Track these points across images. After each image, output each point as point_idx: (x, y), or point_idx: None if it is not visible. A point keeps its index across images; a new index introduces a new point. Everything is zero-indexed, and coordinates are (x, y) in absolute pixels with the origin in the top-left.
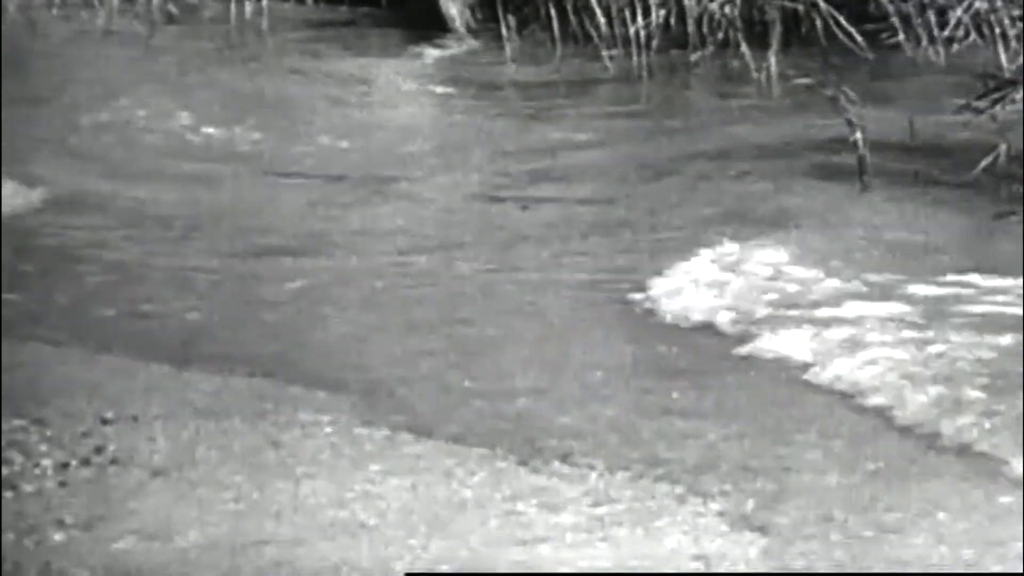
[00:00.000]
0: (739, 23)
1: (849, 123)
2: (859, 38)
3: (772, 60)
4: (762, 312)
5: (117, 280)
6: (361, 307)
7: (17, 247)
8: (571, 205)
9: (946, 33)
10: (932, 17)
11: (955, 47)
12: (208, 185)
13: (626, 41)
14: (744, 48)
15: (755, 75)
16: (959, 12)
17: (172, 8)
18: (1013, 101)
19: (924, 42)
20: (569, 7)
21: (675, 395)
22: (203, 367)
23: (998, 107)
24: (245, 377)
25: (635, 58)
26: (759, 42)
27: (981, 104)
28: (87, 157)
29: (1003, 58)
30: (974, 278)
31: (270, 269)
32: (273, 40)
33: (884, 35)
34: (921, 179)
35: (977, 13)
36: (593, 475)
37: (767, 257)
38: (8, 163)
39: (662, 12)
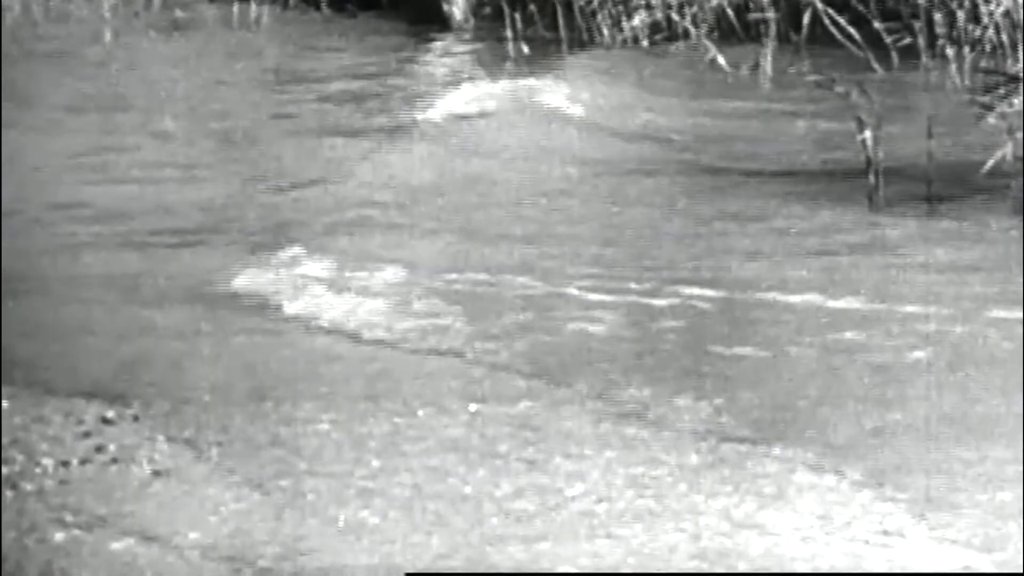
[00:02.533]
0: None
1: (859, 121)
2: (857, 37)
3: (769, 59)
4: None
5: None
6: None
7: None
8: None
9: (977, 35)
10: (940, 18)
11: (967, 51)
12: None
13: (624, 41)
14: (769, 48)
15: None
16: (983, 10)
17: (179, 13)
18: (1017, 101)
19: (940, 43)
20: (577, 8)
21: None
22: None
23: (1004, 104)
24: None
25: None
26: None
27: (987, 100)
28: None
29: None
30: None
31: None
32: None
33: (895, 38)
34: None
35: (1003, 15)
36: (595, 472)
37: None
38: None
39: (658, 11)
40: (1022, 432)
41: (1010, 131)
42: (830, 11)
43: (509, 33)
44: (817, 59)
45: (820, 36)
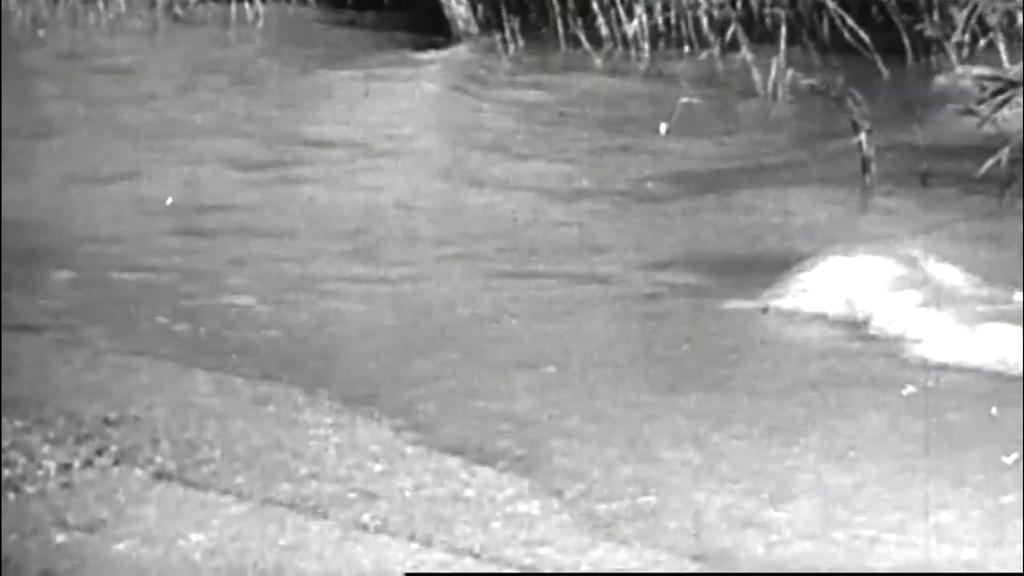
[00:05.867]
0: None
1: (854, 124)
2: (867, 39)
3: (778, 61)
4: None
5: None
6: None
7: None
8: None
9: (955, 39)
10: (937, 18)
11: (964, 51)
12: None
13: (625, 43)
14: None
15: (756, 77)
16: (965, 13)
17: (177, 9)
18: (1016, 104)
19: (933, 48)
20: (572, 9)
21: None
22: None
23: (1003, 111)
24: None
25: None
26: (763, 43)
27: (983, 109)
28: None
29: (1004, 58)
30: None
31: None
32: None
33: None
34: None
35: (980, 15)
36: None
37: None
38: None
39: (661, 13)
40: (1022, 435)
41: (1006, 136)
42: (840, 11)
43: (507, 36)
44: (810, 61)
45: (820, 38)
